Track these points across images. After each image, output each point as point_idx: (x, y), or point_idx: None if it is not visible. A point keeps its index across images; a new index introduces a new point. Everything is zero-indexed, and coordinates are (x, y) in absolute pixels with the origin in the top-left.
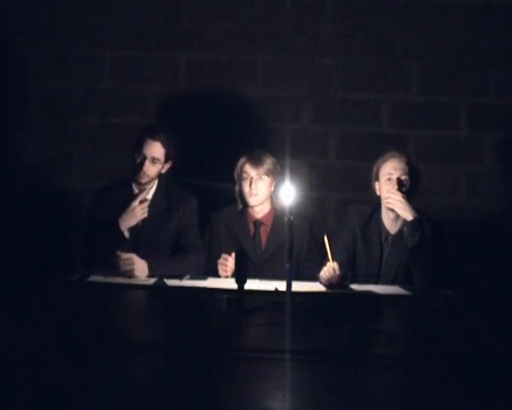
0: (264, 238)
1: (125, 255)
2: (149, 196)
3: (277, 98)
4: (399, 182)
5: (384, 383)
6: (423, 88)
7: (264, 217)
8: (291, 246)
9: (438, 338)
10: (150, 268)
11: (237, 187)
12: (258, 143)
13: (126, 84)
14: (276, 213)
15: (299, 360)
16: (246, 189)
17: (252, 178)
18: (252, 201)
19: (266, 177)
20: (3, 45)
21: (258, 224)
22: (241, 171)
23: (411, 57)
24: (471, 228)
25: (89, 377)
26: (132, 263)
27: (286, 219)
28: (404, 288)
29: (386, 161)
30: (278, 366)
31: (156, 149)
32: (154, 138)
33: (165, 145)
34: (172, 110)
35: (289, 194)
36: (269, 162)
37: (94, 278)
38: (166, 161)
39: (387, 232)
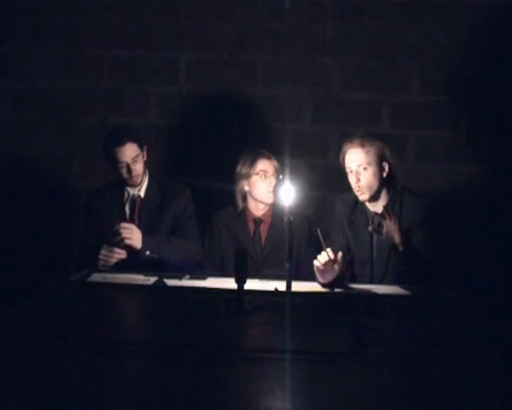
0: (263, 235)
1: (125, 224)
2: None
3: (277, 98)
4: (357, 175)
5: (384, 383)
6: (423, 88)
7: (264, 214)
8: (291, 246)
9: (438, 338)
10: (144, 242)
11: (241, 186)
12: (259, 143)
13: (126, 84)
14: (275, 211)
15: (299, 360)
16: (265, 187)
17: (271, 176)
18: (271, 199)
19: (276, 174)
20: (3, 45)
21: (258, 221)
22: (258, 169)
23: (411, 57)
24: (471, 228)
25: (88, 377)
26: (131, 233)
27: (285, 219)
28: (404, 288)
29: (345, 153)
30: (278, 366)
31: (130, 150)
32: (122, 144)
33: (133, 140)
34: (172, 110)
35: (289, 194)
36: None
37: (94, 278)
38: (142, 148)
39: (373, 215)
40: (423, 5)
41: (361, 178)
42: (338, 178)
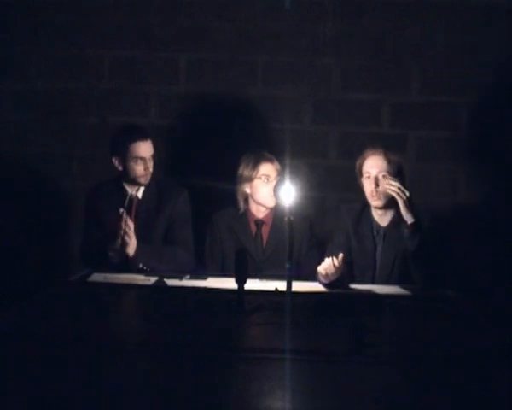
0: (265, 237)
1: (130, 228)
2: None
3: (277, 98)
4: (376, 180)
5: (383, 383)
6: (423, 88)
7: (266, 216)
8: (291, 246)
9: (438, 338)
10: (137, 251)
11: (243, 189)
12: (259, 143)
13: (126, 84)
14: (276, 212)
15: (299, 360)
16: (267, 191)
17: (274, 180)
18: (273, 202)
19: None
20: (3, 45)
21: (259, 223)
22: (260, 173)
23: (411, 57)
24: (471, 228)
25: (88, 377)
26: (130, 240)
27: (286, 218)
28: (404, 288)
29: (365, 159)
30: (278, 366)
31: (150, 147)
32: (145, 139)
33: (152, 140)
34: (172, 110)
35: (289, 194)
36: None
37: (94, 278)
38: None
39: (378, 226)
40: (423, 5)
41: (379, 184)
42: (338, 178)
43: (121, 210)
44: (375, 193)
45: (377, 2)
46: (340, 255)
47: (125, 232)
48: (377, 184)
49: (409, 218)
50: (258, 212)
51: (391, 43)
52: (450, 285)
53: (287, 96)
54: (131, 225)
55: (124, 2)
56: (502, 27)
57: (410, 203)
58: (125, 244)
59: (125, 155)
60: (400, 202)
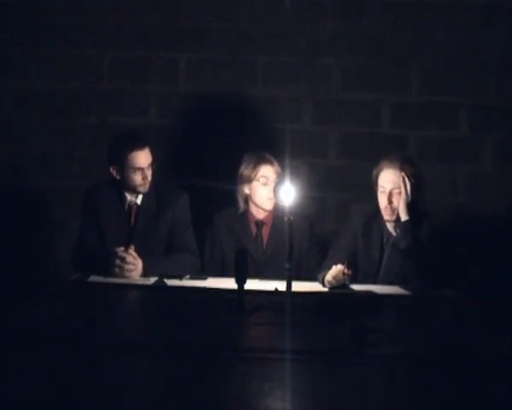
0: (265, 237)
1: (131, 258)
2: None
3: (277, 98)
4: (390, 196)
5: (384, 383)
6: (423, 88)
7: (266, 217)
8: (291, 246)
9: (438, 338)
10: (144, 269)
11: (243, 189)
12: (259, 143)
13: (126, 84)
14: (276, 212)
15: (299, 360)
16: (266, 194)
17: (273, 182)
18: (271, 205)
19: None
20: (3, 45)
21: (259, 224)
22: (259, 175)
23: (411, 57)
24: (471, 228)
25: (88, 377)
26: (136, 268)
27: (286, 219)
28: (404, 288)
29: (381, 170)
30: (278, 366)
31: (148, 156)
32: (141, 147)
33: (150, 147)
34: (172, 110)
35: (289, 194)
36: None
37: (94, 278)
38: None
39: (389, 234)
40: (423, 5)
41: (394, 200)
42: (338, 178)
43: (121, 249)
44: (388, 209)
45: (377, 2)
46: (345, 265)
47: (129, 268)
48: (391, 201)
49: (404, 215)
50: (258, 213)
51: (391, 43)
52: (450, 285)
53: (287, 96)
54: (134, 255)
55: (124, 2)
56: (502, 27)
57: (408, 204)
58: (129, 274)
59: (123, 165)
60: (402, 200)
